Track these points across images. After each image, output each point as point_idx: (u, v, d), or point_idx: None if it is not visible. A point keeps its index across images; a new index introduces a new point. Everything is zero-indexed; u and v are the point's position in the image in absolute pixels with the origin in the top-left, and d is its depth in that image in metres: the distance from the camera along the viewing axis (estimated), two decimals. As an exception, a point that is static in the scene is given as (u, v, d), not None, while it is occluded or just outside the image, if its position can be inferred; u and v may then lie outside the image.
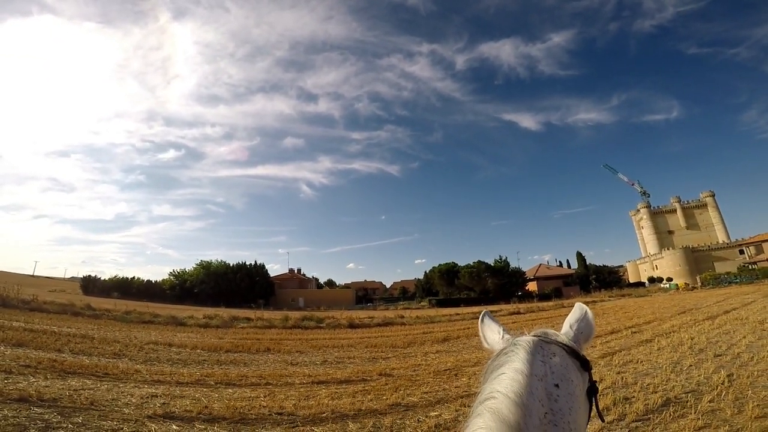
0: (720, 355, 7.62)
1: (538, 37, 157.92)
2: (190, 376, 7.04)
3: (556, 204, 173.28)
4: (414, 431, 4.40)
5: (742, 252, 64.54)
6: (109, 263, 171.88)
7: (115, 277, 61.69)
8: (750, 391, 5.10)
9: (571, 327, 1.05)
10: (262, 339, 13.80)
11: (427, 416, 4.89)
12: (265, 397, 5.95)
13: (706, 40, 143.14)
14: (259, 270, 61.99)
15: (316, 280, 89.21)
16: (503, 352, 0.90)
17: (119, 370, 7.06)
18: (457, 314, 27.29)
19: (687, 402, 4.89)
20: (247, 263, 61.98)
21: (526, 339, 0.91)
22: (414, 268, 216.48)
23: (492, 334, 1.08)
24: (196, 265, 60.32)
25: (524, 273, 65.97)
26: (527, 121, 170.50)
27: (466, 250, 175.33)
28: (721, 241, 72.42)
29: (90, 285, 58.51)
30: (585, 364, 0.92)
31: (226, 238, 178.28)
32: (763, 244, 60.19)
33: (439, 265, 66.52)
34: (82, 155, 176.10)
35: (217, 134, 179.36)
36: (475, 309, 34.27)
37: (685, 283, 54.68)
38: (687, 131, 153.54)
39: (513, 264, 62.71)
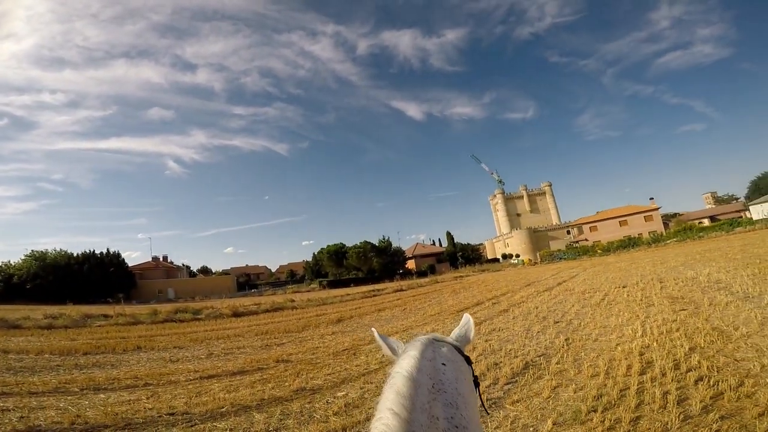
0: (558, 322, 8.64)
1: (435, 32, 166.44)
2: (45, 384, 5.88)
3: (431, 187, 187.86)
4: (325, 413, 4.41)
5: (569, 233, 78.74)
6: None
7: None
8: (583, 353, 5.88)
9: (455, 332, 1.30)
10: (128, 337, 12.08)
11: (335, 397, 4.97)
12: (148, 398, 5.34)
13: (567, 50, 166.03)
14: (113, 259, 52.97)
15: (188, 267, 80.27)
16: (404, 349, 1.11)
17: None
18: (348, 294, 27.99)
19: (541, 365, 5.53)
20: (98, 252, 52.41)
21: (421, 337, 1.13)
22: (302, 250, 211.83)
23: (394, 344, 1.26)
24: (26, 255, 48.49)
25: (404, 252, 70.67)
26: (413, 110, 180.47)
27: (353, 230, 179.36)
28: (554, 223, 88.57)
29: None
30: (468, 360, 1.15)
31: (68, 222, 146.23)
32: (583, 225, 75.46)
33: (328, 246, 66.65)
34: None
35: (58, 102, 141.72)
36: (364, 288, 35.57)
37: (529, 259, 63.65)
38: (537, 129, 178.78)
39: (394, 243, 66.54)
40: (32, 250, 49.32)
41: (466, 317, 1.37)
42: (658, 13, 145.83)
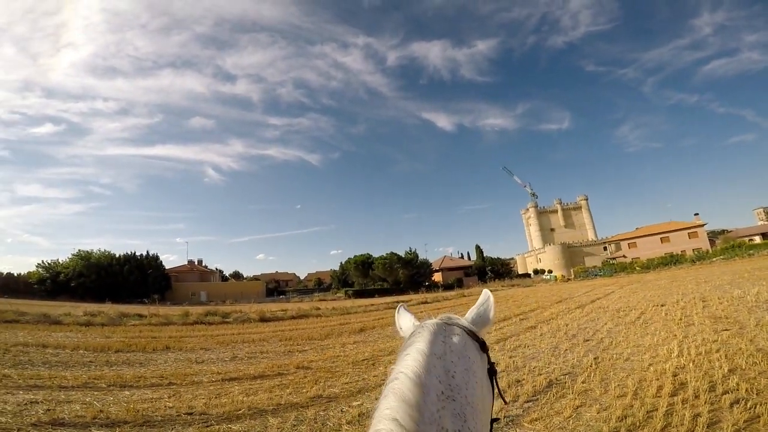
0: (588, 340, 8.39)
1: (466, 42, 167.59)
2: (75, 379, 6.18)
3: (461, 200, 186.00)
4: (338, 422, 4.39)
5: (605, 249, 75.75)
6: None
7: (-37, 269, 49.82)
8: (612, 373, 5.70)
9: (472, 312, 1.14)
10: (159, 337, 12.56)
11: (350, 406, 4.95)
12: (169, 397, 5.50)
13: (604, 60, 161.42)
14: (151, 261, 55.64)
15: (221, 272, 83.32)
16: (412, 335, 0.98)
17: (-21, 377, 5.87)
18: (372, 305, 27.97)
19: (565, 383, 5.34)
20: (138, 254, 55.21)
21: (431, 322, 1.01)
22: (330, 259, 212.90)
23: (406, 322, 1.19)
24: (73, 255, 51.71)
25: (431, 264, 69.92)
26: (443, 121, 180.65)
27: (381, 241, 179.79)
28: (590, 239, 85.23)
29: (-73, 278, 46.52)
30: (483, 346, 1.02)
31: (112, 224, 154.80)
32: (621, 242, 72.08)
33: (355, 256, 67.13)
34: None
35: (110, 109, 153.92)
36: (389, 299, 35.43)
37: (562, 275, 61.43)
38: (573, 141, 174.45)
39: (421, 255, 66.03)
40: (79, 250, 52.77)
41: (486, 293, 1.20)
42: (700, 19, 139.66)
